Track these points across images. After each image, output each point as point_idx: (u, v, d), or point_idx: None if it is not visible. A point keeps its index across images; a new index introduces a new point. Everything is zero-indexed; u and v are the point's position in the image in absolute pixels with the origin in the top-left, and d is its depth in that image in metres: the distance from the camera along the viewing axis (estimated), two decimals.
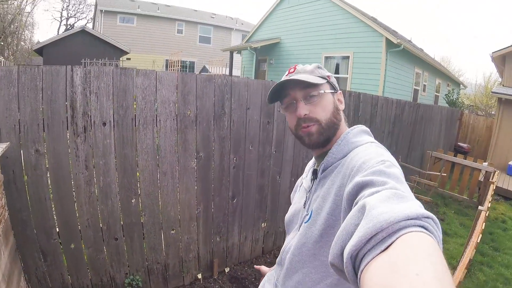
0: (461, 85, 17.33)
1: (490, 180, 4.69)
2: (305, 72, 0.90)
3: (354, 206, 0.56)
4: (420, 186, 5.65)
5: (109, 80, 2.03)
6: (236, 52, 15.01)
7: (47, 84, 1.84)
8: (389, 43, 9.01)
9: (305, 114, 0.86)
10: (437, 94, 13.79)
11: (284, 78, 0.90)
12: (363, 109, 3.99)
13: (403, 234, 0.43)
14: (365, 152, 0.75)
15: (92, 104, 1.99)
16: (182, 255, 2.52)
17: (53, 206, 1.95)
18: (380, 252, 0.43)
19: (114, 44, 14.75)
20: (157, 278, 2.42)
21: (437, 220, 0.47)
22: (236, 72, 16.23)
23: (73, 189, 1.99)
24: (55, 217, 1.97)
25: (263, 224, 3.00)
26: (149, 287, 2.40)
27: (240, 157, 2.71)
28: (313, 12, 11.01)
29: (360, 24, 9.53)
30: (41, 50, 14.06)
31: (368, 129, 0.91)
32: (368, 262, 0.43)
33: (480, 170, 6.07)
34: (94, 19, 22.16)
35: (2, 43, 14.15)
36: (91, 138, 2.01)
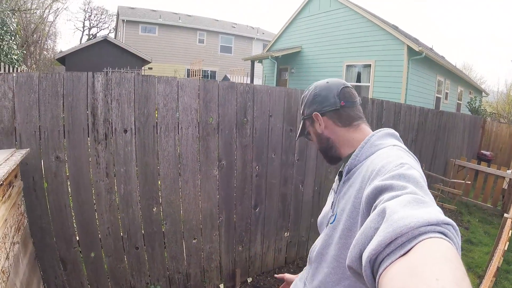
0: (483, 93, 15.99)
1: None
2: (301, 106, 0.97)
3: (374, 210, 0.52)
4: (444, 194, 5.11)
5: (131, 87, 1.84)
6: (258, 61, 14.16)
7: (68, 90, 1.66)
8: (410, 50, 8.32)
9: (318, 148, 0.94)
10: (459, 101, 12.68)
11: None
12: (386, 117, 3.62)
13: (423, 240, 0.39)
14: (385, 155, 0.70)
15: (113, 111, 1.80)
16: (203, 264, 2.25)
17: (73, 214, 1.75)
18: (400, 257, 0.39)
19: (135, 53, 14.20)
20: None
21: (457, 227, 0.44)
22: (257, 81, 15.55)
23: (94, 197, 1.79)
24: (75, 225, 1.77)
25: (285, 233, 2.68)
26: None
27: (263, 165, 2.42)
28: (334, 20, 10.27)
29: (381, 32, 8.87)
30: (63, 59, 13.58)
31: (395, 132, 0.83)
32: (387, 267, 0.40)
33: (504, 177, 5.44)
34: (116, 28, 21.67)
35: (25, 52, 14.07)
36: (112, 145, 1.81)
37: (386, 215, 0.45)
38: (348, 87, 0.89)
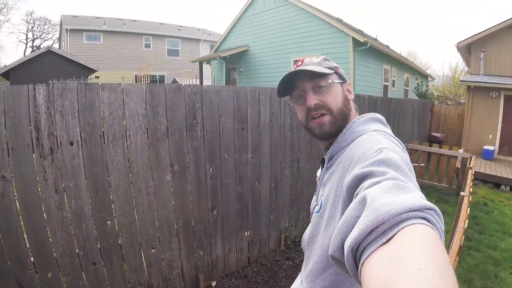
0: (429, 78, 19.00)
1: (468, 165, 5.13)
2: (313, 64, 0.97)
3: (355, 198, 0.60)
4: None
5: (74, 97, 2.13)
6: (206, 62, 16.20)
7: (9, 105, 1.91)
8: (356, 42, 9.87)
9: (315, 104, 0.93)
10: (406, 88, 15.14)
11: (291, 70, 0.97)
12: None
13: (405, 227, 0.45)
14: (365, 142, 0.81)
15: (58, 124, 2.07)
16: (165, 273, 2.61)
17: (25, 235, 2.00)
18: (381, 245, 0.45)
19: (81, 62, 15.61)
20: None
21: (439, 212, 0.50)
22: (207, 82, 17.53)
23: (45, 215, 2.05)
24: (28, 246, 2.02)
25: (246, 233, 3.15)
26: None
27: (217, 166, 2.86)
28: (278, 17, 11.99)
29: (326, 26, 10.47)
30: (7, 74, 14.52)
31: (380, 117, 0.97)
32: (369, 255, 0.45)
33: (456, 157, 6.61)
34: (60, 38, 23.09)
35: None
36: (59, 159, 2.08)
37: (367, 202, 0.52)
38: None
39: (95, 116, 2.22)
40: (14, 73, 14.04)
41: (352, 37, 9.88)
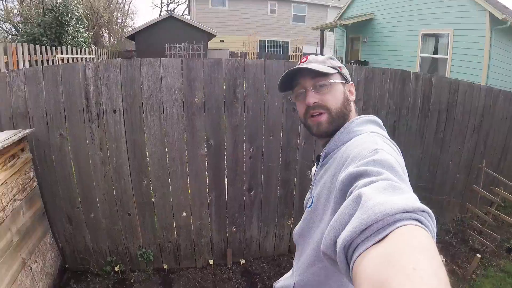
0: None
1: None
2: (317, 62, 1.06)
3: (348, 196, 0.64)
4: (506, 202, 4.15)
5: (117, 71, 2.62)
6: (329, 30, 16.41)
7: (65, 79, 2.57)
8: (493, 19, 8.68)
9: (314, 102, 1.02)
10: None
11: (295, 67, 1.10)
12: (437, 96, 3.56)
13: (398, 227, 0.49)
14: (361, 141, 0.88)
15: (103, 94, 2.64)
16: (194, 238, 3.07)
17: (75, 181, 2.77)
18: (374, 244, 0.49)
19: (201, 27, 17.86)
20: (169, 256, 3.07)
21: (432, 215, 0.54)
22: (328, 51, 17.53)
23: (91, 168, 2.76)
24: (77, 190, 2.79)
25: (289, 221, 3.22)
26: (161, 262, 3.07)
27: (258, 147, 2.96)
28: None
29: None
30: (133, 37, 17.77)
31: (377, 119, 1.04)
32: (361, 253, 0.49)
33: None
34: (189, 3, 25.72)
35: (93, 34, 19.08)
36: (104, 124, 2.69)
37: (361, 201, 0.56)
38: None
39: (135, 88, 2.68)
40: (139, 36, 16.97)
41: (490, 13, 8.63)
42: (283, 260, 3.27)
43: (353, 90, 1.11)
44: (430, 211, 0.53)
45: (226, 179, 3.00)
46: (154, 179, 2.87)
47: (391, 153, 0.77)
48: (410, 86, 3.35)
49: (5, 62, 6.07)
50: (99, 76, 2.60)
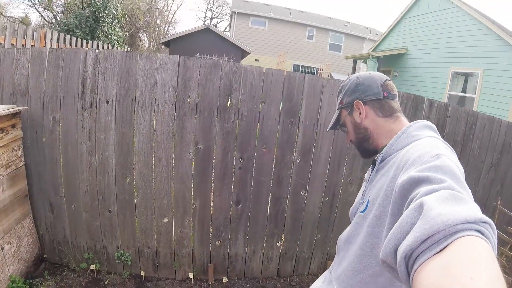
0: None
1: None
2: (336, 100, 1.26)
3: (411, 204, 0.64)
4: None
5: (116, 62, 2.63)
6: (362, 61, 16.90)
7: (67, 63, 2.63)
8: None
9: (350, 141, 1.21)
10: None
11: None
12: (452, 127, 3.19)
13: (459, 238, 0.49)
14: (421, 146, 0.88)
15: (99, 83, 2.65)
16: (174, 247, 2.88)
17: (62, 167, 2.76)
18: (435, 254, 0.49)
19: (235, 43, 18.49)
20: (147, 262, 2.89)
21: (494, 226, 0.54)
22: None
23: (77, 157, 2.74)
24: (62, 177, 2.78)
25: (278, 242, 2.92)
26: (139, 268, 2.90)
27: (249, 157, 2.76)
28: (443, 21, 11.55)
29: (493, 37, 9.48)
30: (168, 43, 18.73)
31: (432, 125, 1.04)
32: (422, 263, 0.49)
33: None
34: (230, 20, 27.67)
35: (127, 34, 20.32)
36: (96, 113, 2.68)
37: (423, 210, 0.56)
38: (390, 80, 1.15)
39: (131, 81, 2.66)
40: (174, 43, 17.78)
41: None
42: (269, 284, 2.94)
43: (360, 106, 1.12)
44: (492, 222, 0.52)
45: (212, 188, 2.82)
46: (138, 177, 2.77)
47: (452, 159, 0.77)
48: (423, 113, 3.02)
49: (32, 46, 5.88)
50: (98, 64, 2.63)
